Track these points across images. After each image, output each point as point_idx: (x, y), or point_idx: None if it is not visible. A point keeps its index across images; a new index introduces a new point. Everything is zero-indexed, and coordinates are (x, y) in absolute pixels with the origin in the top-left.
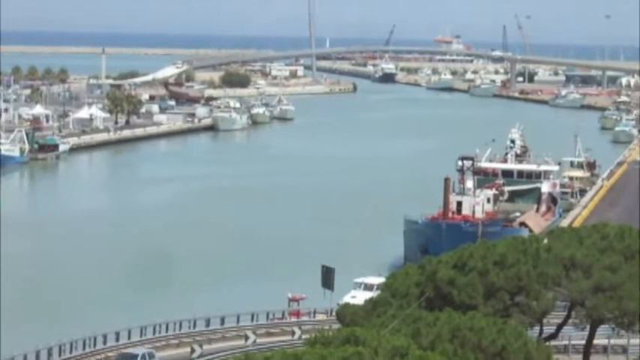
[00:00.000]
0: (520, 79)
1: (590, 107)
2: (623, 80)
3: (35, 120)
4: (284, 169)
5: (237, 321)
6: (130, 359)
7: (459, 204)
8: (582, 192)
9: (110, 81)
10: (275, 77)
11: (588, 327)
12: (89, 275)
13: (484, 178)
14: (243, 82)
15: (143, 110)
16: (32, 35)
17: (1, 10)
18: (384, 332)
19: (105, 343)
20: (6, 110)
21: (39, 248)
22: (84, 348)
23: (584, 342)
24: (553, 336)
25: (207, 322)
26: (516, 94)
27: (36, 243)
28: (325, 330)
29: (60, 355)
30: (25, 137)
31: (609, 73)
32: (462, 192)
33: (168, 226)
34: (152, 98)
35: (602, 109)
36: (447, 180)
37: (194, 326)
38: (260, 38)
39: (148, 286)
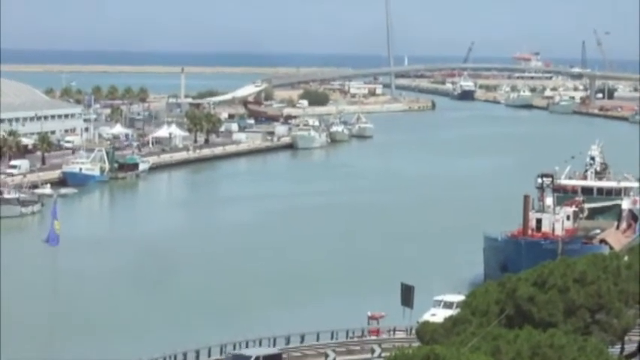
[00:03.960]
0: (599, 95)
1: None
2: None
3: (115, 139)
4: (363, 186)
5: (317, 339)
6: None
7: (539, 221)
8: None
9: (189, 100)
10: (354, 95)
11: None
12: (167, 294)
13: (564, 195)
14: (321, 100)
15: (222, 129)
16: (113, 55)
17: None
18: (464, 350)
19: None
20: (86, 129)
21: (118, 266)
22: None
23: None
24: (634, 354)
25: (287, 340)
26: (596, 111)
27: (115, 260)
28: (405, 348)
29: None
30: (105, 156)
31: None
32: (542, 209)
33: (247, 245)
34: (231, 117)
35: None
36: (526, 197)
37: (274, 344)
38: (339, 56)
39: (227, 304)
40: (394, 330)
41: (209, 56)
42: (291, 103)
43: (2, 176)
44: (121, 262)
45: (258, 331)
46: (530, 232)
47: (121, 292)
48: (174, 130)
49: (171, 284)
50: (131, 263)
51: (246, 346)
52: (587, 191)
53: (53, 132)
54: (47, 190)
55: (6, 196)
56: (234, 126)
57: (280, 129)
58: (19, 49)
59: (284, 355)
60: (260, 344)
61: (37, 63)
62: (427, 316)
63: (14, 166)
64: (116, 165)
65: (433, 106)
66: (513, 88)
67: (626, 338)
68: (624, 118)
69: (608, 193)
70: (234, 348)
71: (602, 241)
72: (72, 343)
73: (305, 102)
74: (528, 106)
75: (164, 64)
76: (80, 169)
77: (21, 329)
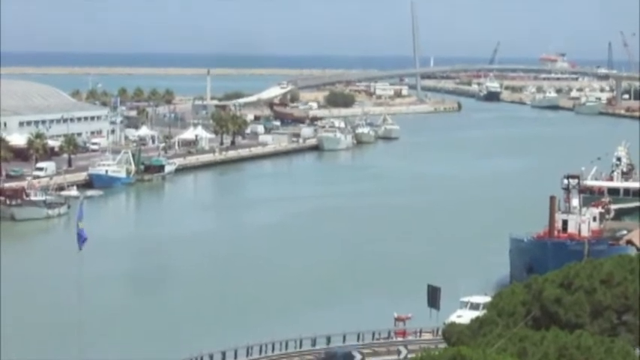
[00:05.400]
0: (626, 96)
1: None
2: None
3: (141, 140)
4: (388, 188)
5: (344, 340)
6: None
7: (565, 222)
8: None
9: (215, 102)
10: (379, 97)
11: None
12: (192, 295)
13: (590, 196)
14: (347, 102)
15: (248, 131)
16: (138, 57)
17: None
18: (490, 351)
19: None
20: (112, 132)
21: (143, 267)
22: None
23: None
24: None
25: (313, 342)
26: (622, 112)
27: (142, 261)
28: (431, 349)
29: None
30: (131, 158)
31: None
32: (568, 210)
33: (273, 246)
34: (257, 119)
35: None
36: (552, 198)
37: (300, 346)
38: (364, 58)
39: (254, 304)
40: (420, 331)
41: (234, 58)
42: (317, 105)
43: (29, 178)
44: (148, 263)
45: (285, 333)
46: (556, 233)
47: (148, 293)
48: (200, 131)
49: (191, 286)
50: (158, 264)
51: (272, 349)
52: (613, 192)
53: (79, 134)
54: (73, 192)
55: (33, 198)
56: (260, 128)
57: (306, 131)
58: (46, 52)
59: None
60: (287, 346)
61: (64, 65)
62: (453, 318)
63: (41, 169)
64: (142, 167)
65: (459, 107)
66: (539, 89)
67: None
68: None
69: (635, 193)
70: (261, 350)
71: (629, 242)
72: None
73: (314, 104)
74: (554, 107)
75: (189, 66)
76: (106, 171)
77: (55, 329)
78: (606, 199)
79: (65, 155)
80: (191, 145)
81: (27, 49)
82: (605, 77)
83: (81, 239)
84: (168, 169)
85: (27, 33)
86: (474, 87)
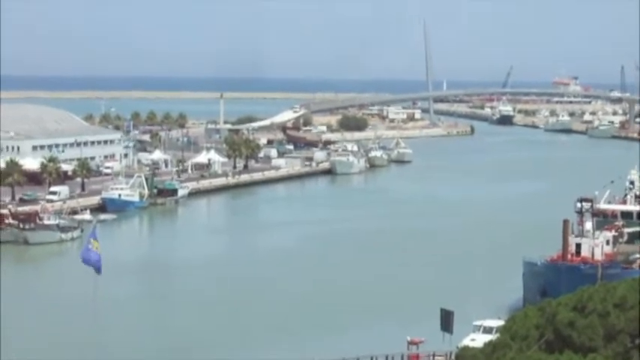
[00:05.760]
0: (639, 119)
1: None
2: None
3: (154, 164)
4: (401, 212)
5: None
6: None
7: (578, 246)
8: None
9: (228, 126)
10: (392, 120)
11: None
12: (203, 317)
13: (603, 219)
14: (360, 125)
15: (261, 154)
16: (153, 81)
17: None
18: None
19: None
20: (125, 155)
21: (156, 290)
22: None
23: None
24: None
25: None
26: (635, 135)
27: (157, 286)
28: None
29: None
30: (144, 182)
31: None
32: (581, 234)
33: (286, 270)
34: (270, 142)
35: None
36: (565, 222)
37: None
38: (377, 82)
39: (266, 328)
40: (434, 355)
41: (247, 81)
42: (330, 129)
43: (42, 202)
44: (161, 286)
45: (298, 357)
46: (569, 256)
47: (160, 316)
48: (213, 155)
49: (203, 309)
50: (171, 287)
51: None
52: (626, 215)
53: (92, 158)
54: (87, 216)
55: (46, 222)
56: (273, 151)
57: (319, 154)
58: (57, 76)
59: None
60: None
61: (77, 89)
62: (467, 341)
63: (54, 192)
64: (155, 191)
65: (472, 130)
66: (552, 113)
67: None
68: None
69: None
70: None
71: None
72: None
73: (324, 127)
74: (567, 131)
75: (202, 89)
76: (119, 195)
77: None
78: (619, 222)
79: (78, 179)
80: (204, 169)
81: (40, 74)
82: (618, 100)
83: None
84: (181, 192)
85: (40, 57)
86: (487, 111)
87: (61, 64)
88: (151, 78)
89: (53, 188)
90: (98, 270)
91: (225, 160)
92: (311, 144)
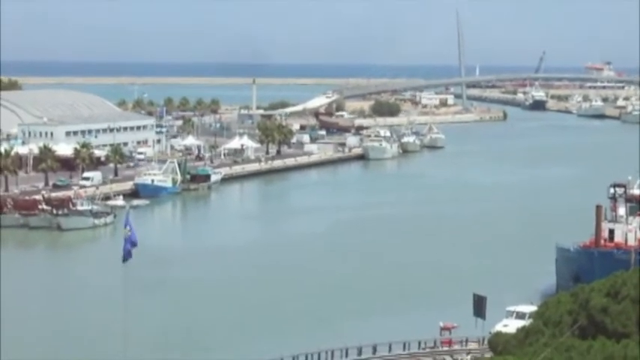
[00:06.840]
0: None
1: None
2: None
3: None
4: (434, 197)
5: (390, 350)
6: None
7: (611, 232)
8: None
9: (261, 111)
10: (425, 106)
11: None
12: (238, 303)
13: (637, 205)
14: (393, 111)
15: (294, 140)
16: (186, 67)
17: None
18: None
19: None
20: (159, 141)
21: (189, 275)
22: None
23: None
24: None
25: (359, 351)
26: None
27: (190, 272)
28: (478, 359)
29: None
30: (177, 168)
31: None
32: (614, 219)
33: (319, 255)
34: (303, 128)
35: None
36: (598, 208)
37: (346, 355)
38: (410, 67)
39: (299, 314)
40: (466, 341)
41: (280, 67)
42: (362, 114)
43: (75, 188)
44: (194, 271)
45: (331, 342)
46: (602, 242)
47: (192, 302)
48: (245, 141)
49: (237, 294)
50: (204, 273)
51: (318, 359)
52: None
53: (125, 144)
54: (119, 201)
55: (79, 207)
56: (306, 137)
57: (352, 140)
58: (93, 62)
59: None
60: (332, 356)
61: (110, 75)
62: (499, 327)
63: (87, 178)
64: (188, 176)
65: (505, 116)
66: (585, 98)
67: None
68: None
69: None
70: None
71: None
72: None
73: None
74: (600, 116)
75: (235, 75)
76: (152, 180)
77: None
78: None
79: (111, 165)
80: (237, 155)
81: (74, 59)
82: None
83: (128, 246)
84: (214, 178)
85: (75, 43)
86: (520, 96)
87: (94, 51)
88: (181, 64)
89: (86, 174)
90: (128, 255)
91: (258, 145)
92: (344, 129)
